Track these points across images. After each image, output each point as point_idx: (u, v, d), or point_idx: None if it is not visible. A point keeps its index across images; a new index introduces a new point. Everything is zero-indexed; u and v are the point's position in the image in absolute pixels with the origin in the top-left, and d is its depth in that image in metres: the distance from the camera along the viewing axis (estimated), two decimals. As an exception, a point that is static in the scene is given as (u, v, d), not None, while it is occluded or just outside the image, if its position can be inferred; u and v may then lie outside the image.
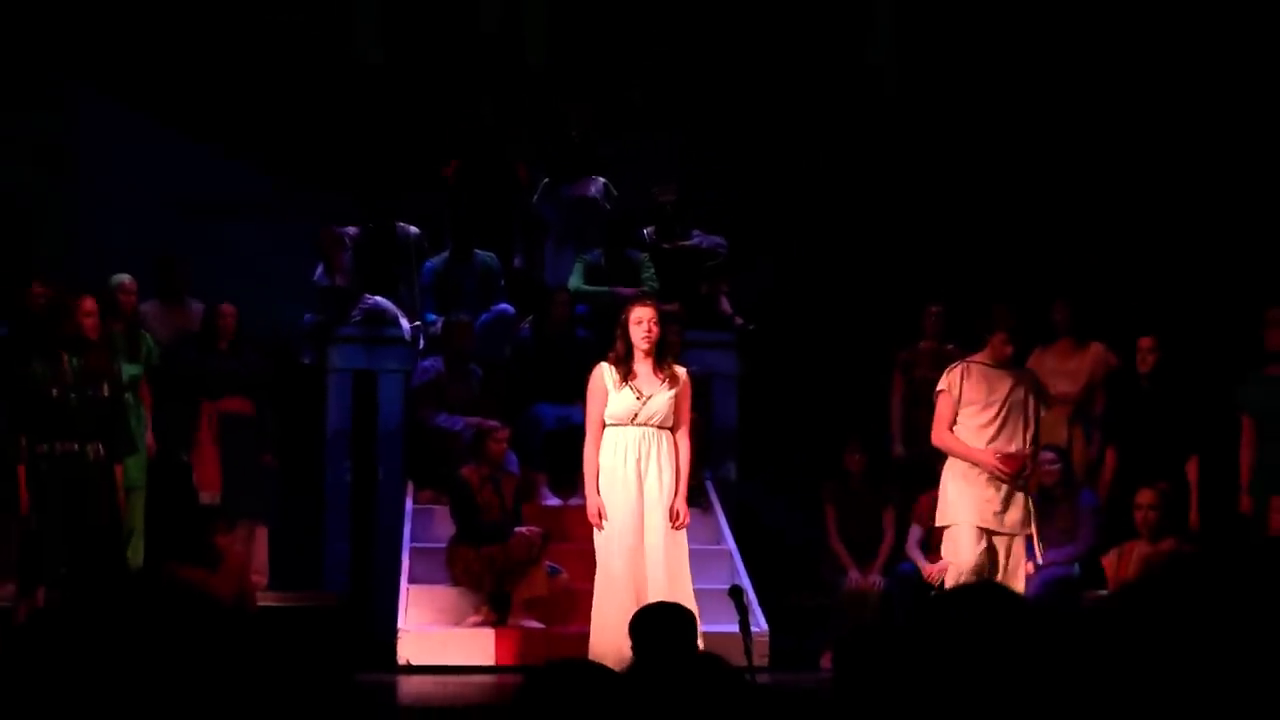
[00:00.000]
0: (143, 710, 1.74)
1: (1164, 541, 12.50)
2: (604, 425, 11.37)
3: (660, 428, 11.33)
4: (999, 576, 11.29)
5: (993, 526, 11.36)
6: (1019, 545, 11.44)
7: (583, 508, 13.20)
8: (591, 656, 10.78)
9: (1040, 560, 12.78)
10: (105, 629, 1.82)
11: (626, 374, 11.34)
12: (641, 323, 11.31)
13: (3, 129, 16.82)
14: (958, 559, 11.42)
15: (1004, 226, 16.13)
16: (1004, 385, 11.46)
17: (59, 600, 10.61)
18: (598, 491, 11.35)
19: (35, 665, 1.80)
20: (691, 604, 10.65)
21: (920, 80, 17.49)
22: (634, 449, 11.38)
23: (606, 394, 11.35)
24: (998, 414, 11.40)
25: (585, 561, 12.90)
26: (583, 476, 11.67)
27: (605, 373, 11.37)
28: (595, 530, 11.36)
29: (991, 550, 11.40)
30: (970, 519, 11.33)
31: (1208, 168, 16.15)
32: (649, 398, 11.29)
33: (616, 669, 3.84)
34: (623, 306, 12.12)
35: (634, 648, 8.12)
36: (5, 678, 1.81)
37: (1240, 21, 16.23)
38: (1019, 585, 11.36)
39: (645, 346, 11.25)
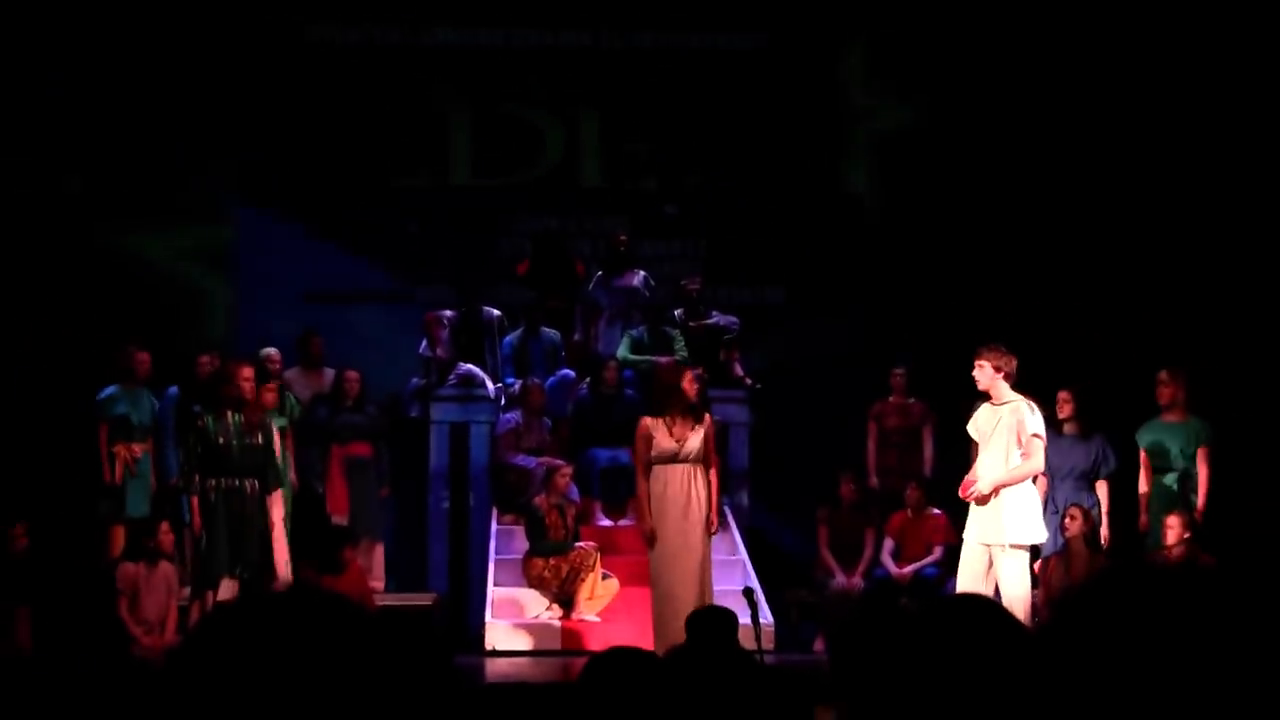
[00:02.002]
0: (293, 686, 1.74)
1: (1085, 551, 12.43)
2: (651, 465, 11.40)
3: (695, 463, 11.37)
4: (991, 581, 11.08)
5: (968, 540, 11.20)
6: (995, 553, 11.15)
7: (629, 528, 13.19)
8: (657, 641, 10.81)
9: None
10: (263, 623, 1.82)
11: (670, 424, 11.43)
12: (693, 384, 11.49)
13: (183, 238, 16.93)
14: None
15: (951, 308, 16.10)
16: (991, 418, 11.27)
17: (226, 602, 10.60)
18: (650, 516, 11.37)
19: (211, 653, 1.80)
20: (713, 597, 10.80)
21: (888, 202, 17.54)
22: (675, 482, 11.41)
23: (653, 440, 11.39)
24: (989, 443, 11.24)
25: (632, 569, 12.93)
26: (630, 503, 11.71)
27: (651, 423, 11.43)
28: (650, 547, 11.38)
29: (985, 558, 11.17)
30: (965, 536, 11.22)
31: (1112, 257, 16.12)
32: (685, 441, 11.34)
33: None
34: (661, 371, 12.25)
35: (689, 638, 8.12)
36: (189, 664, 1.80)
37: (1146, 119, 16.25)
38: (1003, 588, 11.01)
39: (694, 394, 11.52)
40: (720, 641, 7.90)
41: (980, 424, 11.29)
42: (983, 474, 11.07)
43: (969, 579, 11.12)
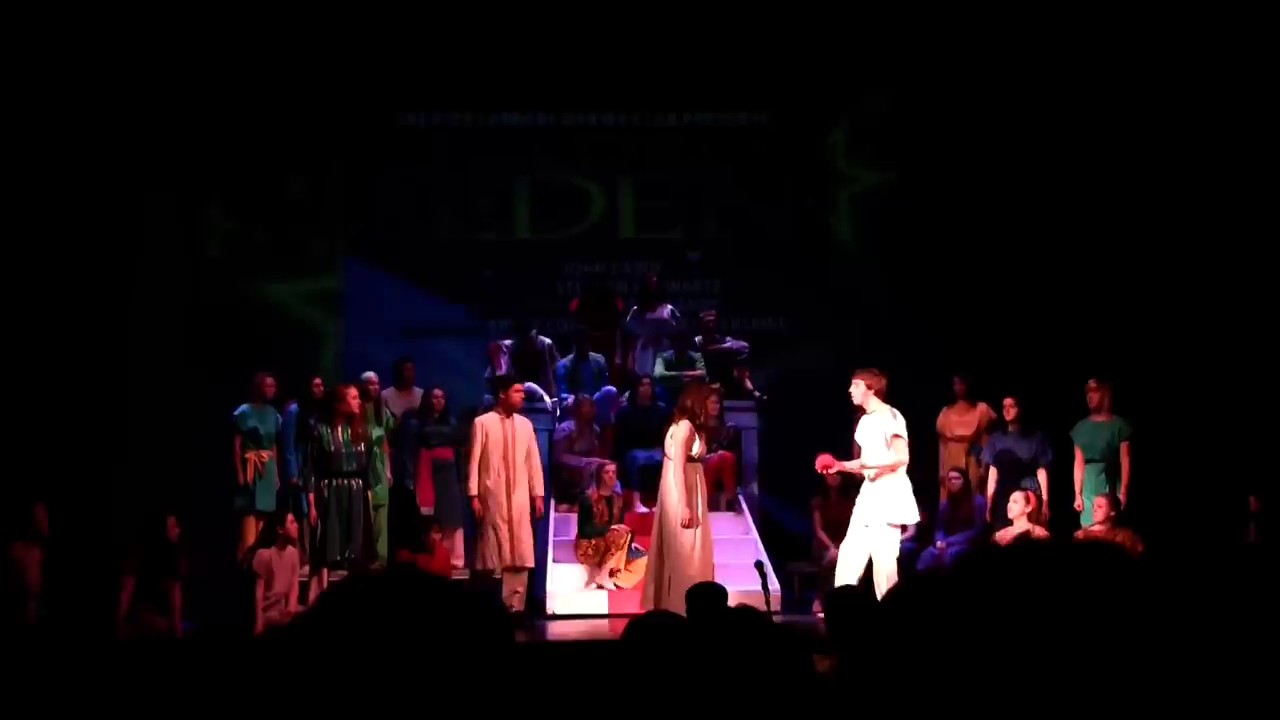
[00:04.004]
0: (393, 644, 1.76)
1: (1030, 527, 12.40)
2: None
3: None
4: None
5: (853, 521, 11.31)
6: (873, 531, 11.07)
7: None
8: (660, 595, 10.84)
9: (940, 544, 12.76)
10: (369, 596, 1.84)
11: (701, 432, 11.53)
12: (714, 402, 11.64)
13: (302, 286, 17.05)
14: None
15: (923, 336, 16.12)
16: (865, 426, 11.33)
17: (340, 579, 10.64)
18: (689, 505, 11.40)
19: (329, 620, 1.81)
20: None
21: (867, 248, 17.56)
22: (700, 476, 11.51)
23: (694, 443, 11.45)
24: (866, 446, 11.32)
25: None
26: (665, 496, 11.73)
27: (693, 429, 11.46)
28: (684, 527, 11.33)
29: (865, 538, 11.18)
30: None
31: (1050, 286, 16.11)
32: (706, 444, 11.47)
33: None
34: (686, 387, 12.29)
35: (689, 610, 8.08)
36: (312, 629, 1.82)
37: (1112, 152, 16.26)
38: (875, 559, 11.02)
39: (715, 412, 11.62)
40: (714, 610, 7.87)
41: (860, 432, 11.34)
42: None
43: (849, 552, 11.12)
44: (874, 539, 11.02)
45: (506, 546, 12.40)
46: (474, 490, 12.46)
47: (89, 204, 15.67)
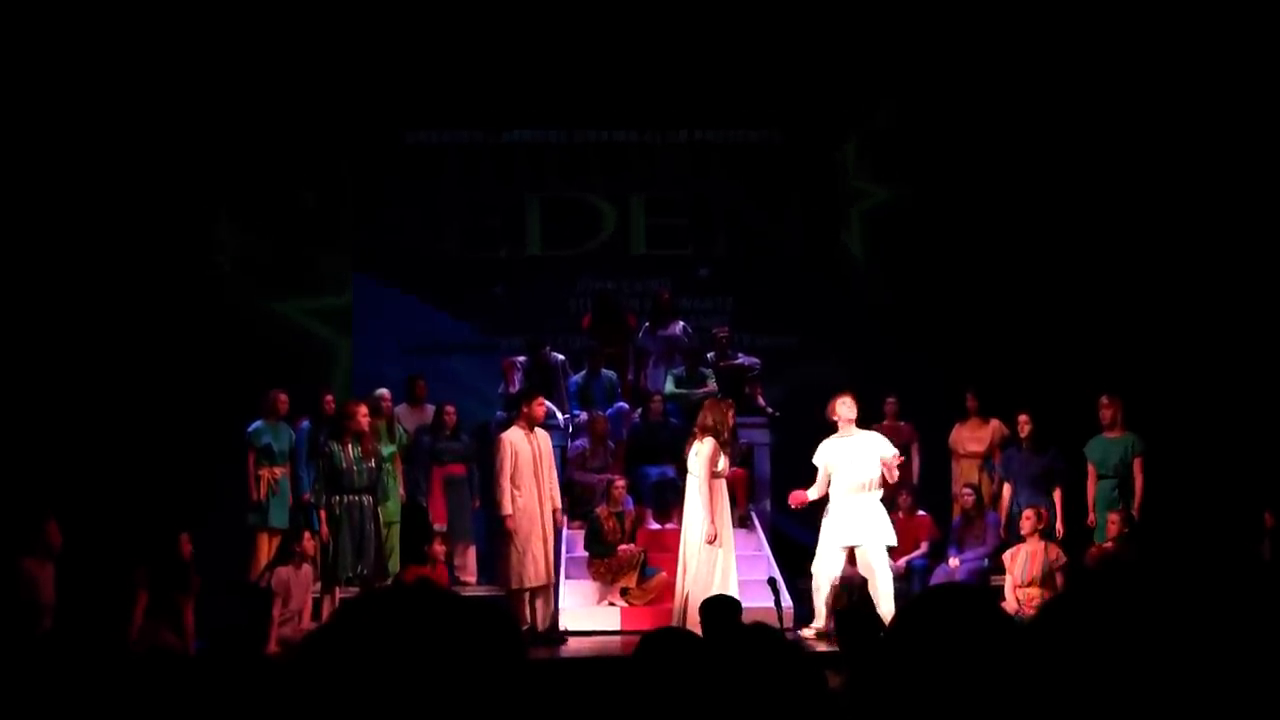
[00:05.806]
0: (406, 658, 1.76)
1: (1042, 544, 12.38)
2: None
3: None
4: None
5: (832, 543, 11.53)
6: (867, 550, 11.32)
7: (673, 530, 13.07)
8: (690, 620, 10.78)
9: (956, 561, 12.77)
10: (382, 612, 1.84)
11: (725, 448, 11.57)
12: (733, 416, 11.79)
13: (313, 306, 17.07)
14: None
15: (932, 352, 16.12)
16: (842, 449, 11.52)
17: (353, 594, 10.65)
18: (714, 522, 11.42)
19: (344, 636, 1.82)
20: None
21: (878, 265, 17.57)
22: (723, 492, 11.54)
23: (719, 459, 11.48)
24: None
25: (676, 564, 12.88)
26: (675, 511, 11.79)
27: (718, 447, 11.48)
28: (708, 543, 11.38)
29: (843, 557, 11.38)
30: None
31: (1061, 304, 16.10)
32: (728, 461, 11.54)
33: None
34: (698, 404, 12.31)
35: (703, 623, 8.08)
36: (329, 644, 1.82)
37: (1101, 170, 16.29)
38: (878, 579, 11.29)
39: (730, 426, 11.65)
40: (728, 621, 7.88)
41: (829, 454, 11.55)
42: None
43: (826, 569, 11.31)
44: (869, 559, 11.19)
45: (542, 563, 12.25)
46: (508, 510, 12.15)
47: (100, 220, 15.72)
